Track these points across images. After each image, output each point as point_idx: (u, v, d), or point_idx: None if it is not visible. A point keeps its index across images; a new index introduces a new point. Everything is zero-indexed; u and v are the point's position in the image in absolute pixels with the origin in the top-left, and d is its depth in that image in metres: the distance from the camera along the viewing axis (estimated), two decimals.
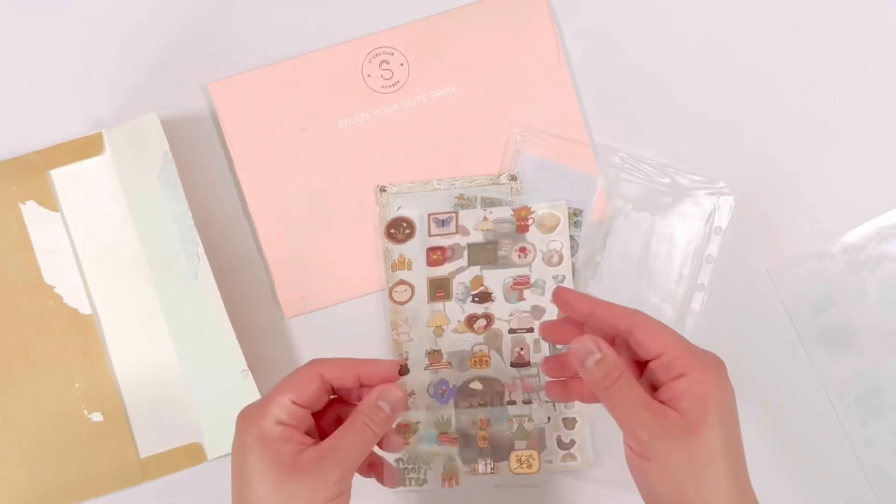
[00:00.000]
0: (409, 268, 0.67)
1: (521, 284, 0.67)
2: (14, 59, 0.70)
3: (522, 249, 0.67)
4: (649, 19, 0.71)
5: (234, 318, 0.65)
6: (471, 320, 0.68)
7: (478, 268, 0.68)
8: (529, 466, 0.66)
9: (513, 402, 0.66)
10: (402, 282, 0.67)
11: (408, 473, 0.66)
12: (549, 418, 0.67)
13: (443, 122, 0.70)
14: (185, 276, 0.65)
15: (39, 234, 0.67)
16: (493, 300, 0.68)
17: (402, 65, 0.70)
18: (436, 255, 0.67)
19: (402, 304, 0.67)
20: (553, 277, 0.68)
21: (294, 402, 0.53)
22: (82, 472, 0.65)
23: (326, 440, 0.53)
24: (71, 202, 0.67)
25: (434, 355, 0.67)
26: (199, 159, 0.69)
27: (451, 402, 0.67)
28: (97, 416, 0.66)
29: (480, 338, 0.68)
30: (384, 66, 0.70)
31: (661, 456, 0.50)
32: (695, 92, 0.71)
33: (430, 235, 0.67)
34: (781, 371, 0.69)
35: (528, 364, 0.67)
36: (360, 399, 0.56)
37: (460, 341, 0.68)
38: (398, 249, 0.67)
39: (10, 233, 0.67)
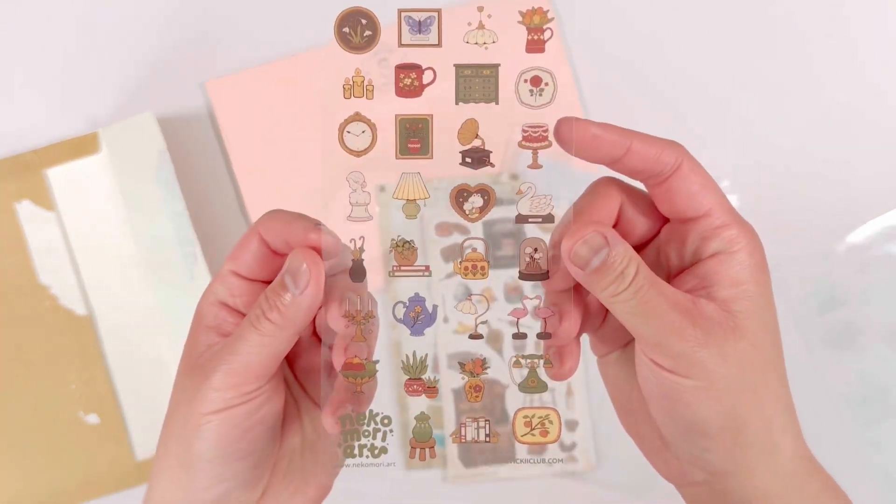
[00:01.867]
0: (370, 95, 0.43)
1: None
2: (9, 57, 0.70)
3: (535, 80, 0.43)
4: (651, 18, 0.71)
5: None
6: (459, 196, 0.46)
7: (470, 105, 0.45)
8: (544, 433, 0.44)
9: (522, 336, 0.44)
10: (357, 116, 0.43)
11: (356, 439, 0.41)
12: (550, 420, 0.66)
13: (443, 121, 0.69)
14: (182, 277, 0.65)
15: (35, 234, 0.67)
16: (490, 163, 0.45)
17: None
18: (409, 79, 0.43)
19: (357, 153, 0.42)
20: None
21: (235, 273, 0.41)
22: (78, 475, 0.65)
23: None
24: (67, 202, 0.67)
25: (403, 251, 0.44)
26: (197, 158, 0.69)
27: (429, 331, 0.43)
28: (93, 418, 0.66)
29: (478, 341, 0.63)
30: (384, 63, 0.70)
31: (703, 370, 0.37)
32: (697, 91, 0.71)
33: (400, 45, 0.42)
34: (786, 372, 0.69)
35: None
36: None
37: (460, 342, 0.67)
38: (354, 61, 0.42)
39: (5, 233, 0.66)
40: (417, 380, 0.43)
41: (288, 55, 0.70)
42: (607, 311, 0.41)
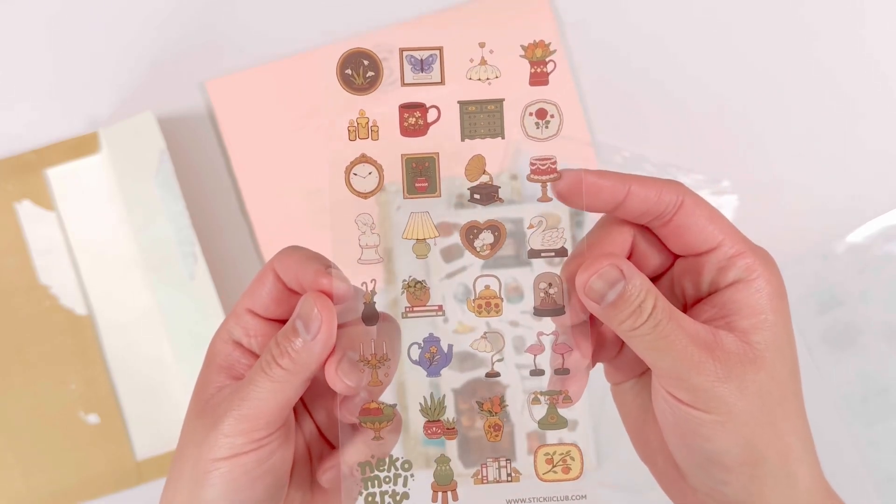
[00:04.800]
0: (375, 136, 0.41)
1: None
2: (9, 57, 0.70)
3: (541, 113, 0.42)
4: (651, 18, 0.71)
5: None
6: (469, 233, 0.44)
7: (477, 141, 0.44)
8: (566, 470, 0.44)
9: (540, 373, 0.43)
10: (363, 158, 0.41)
11: (378, 486, 0.40)
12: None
13: (443, 121, 0.69)
14: (182, 277, 0.65)
15: (35, 234, 0.67)
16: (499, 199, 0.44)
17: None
18: (413, 118, 0.42)
19: (364, 195, 0.41)
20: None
21: (250, 312, 0.40)
22: (78, 475, 0.65)
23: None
24: (67, 202, 0.67)
25: (415, 291, 0.43)
26: (197, 158, 0.69)
27: (445, 371, 0.43)
28: (93, 418, 0.66)
29: (483, 326, 0.65)
30: (384, 63, 0.70)
31: (722, 404, 0.37)
32: (697, 91, 0.70)
33: (403, 84, 0.41)
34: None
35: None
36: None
37: (461, 342, 0.67)
38: (358, 102, 0.41)
39: (6, 233, 0.66)
40: (436, 421, 0.42)
41: (288, 55, 0.70)
42: (623, 341, 0.41)
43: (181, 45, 0.70)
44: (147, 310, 0.66)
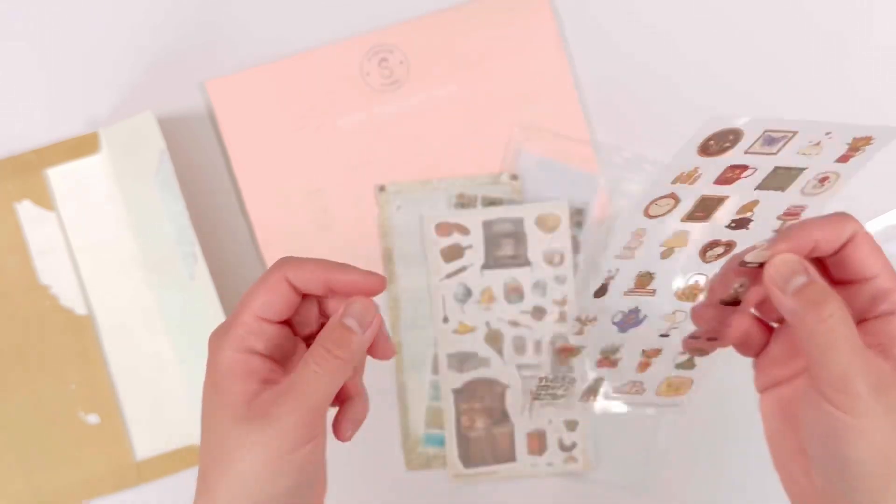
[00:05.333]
0: (692, 182, 0.49)
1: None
2: (9, 57, 0.70)
3: (823, 179, 0.49)
4: (652, 18, 0.71)
5: None
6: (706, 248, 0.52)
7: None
8: (677, 390, 0.57)
9: (665, 335, 0.54)
10: (671, 196, 0.50)
11: (545, 390, 0.57)
12: (550, 420, 0.67)
13: (443, 121, 0.70)
14: (182, 277, 0.65)
15: (35, 234, 0.67)
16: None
17: (401, 63, 0.70)
18: (732, 174, 0.49)
19: (654, 217, 0.51)
20: (555, 278, 0.67)
21: (261, 318, 0.44)
22: (78, 474, 0.65)
23: (288, 377, 0.43)
24: (67, 202, 0.67)
25: (643, 278, 0.54)
26: (197, 158, 0.69)
27: (632, 331, 0.55)
28: (93, 418, 0.66)
29: (480, 338, 0.67)
30: (383, 64, 0.70)
31: (873, 416, 0.39)
32: (697, 91, 0.70)
33: (745, 152, 0.47)
34: None
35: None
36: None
37: (461, 342, 0.67)
38: (696, 160, 0.48)
39: (6, 233, 0.66)
40: (606, 358, 0.55)
41: (289, 55, 0.70)
42: (769, 339, 0.47)
43: (181, 45, 0.70)
44: (147, 310, 0.66)
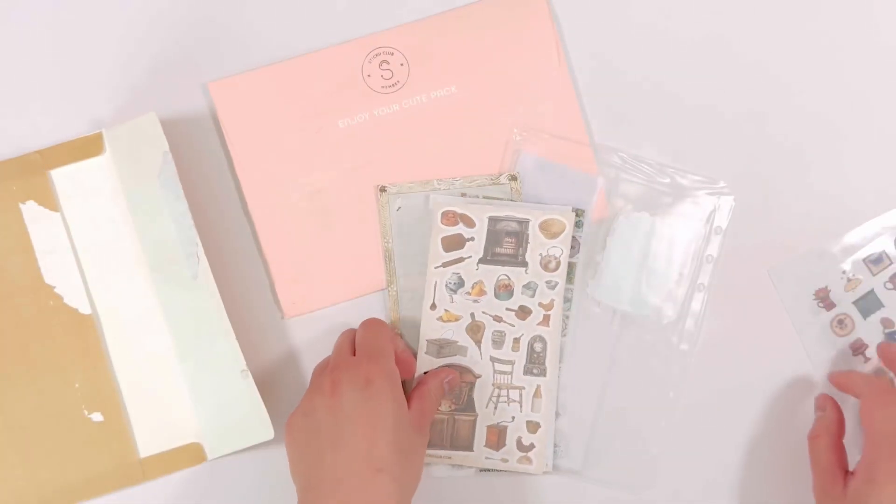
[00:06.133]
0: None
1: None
2: (14, 59, 0.70)
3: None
4: (650, 19, 0.71)
5: (234, 318, 0.65)
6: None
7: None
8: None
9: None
10: None
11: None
12: (513, 417, 0.67)
13: (443, 122, 0.70)
14: (185, 277, 0.65)
15: (39, 235, 0.67)
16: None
17: (402, 65, 0.70)
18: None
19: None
20: (546, 283, 0.67)
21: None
22: (82, 472, 0.65)
23: (412, 404, 0.62)
24: (71, 202, 0.67)
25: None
26: (200, 159, 0.69)
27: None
28: (97, 416, 0.66)
29: (462, 328, 0.68)
30: (384, 66, 0.70)
31: None
32: (695, 91, 0.70)
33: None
34: (782, 372, 0.69)
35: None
36: None
37: (443, 329, 0.68)
38: None
39: (11, 233, 0.67)
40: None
41: (291, 57, 0.70)
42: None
43: (184, 47, 0.70)
44: (150, 309, 0.66)
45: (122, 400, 0.66)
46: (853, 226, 0.69)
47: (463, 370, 0.67)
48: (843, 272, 0.69)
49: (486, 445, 0.67)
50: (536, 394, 0.67)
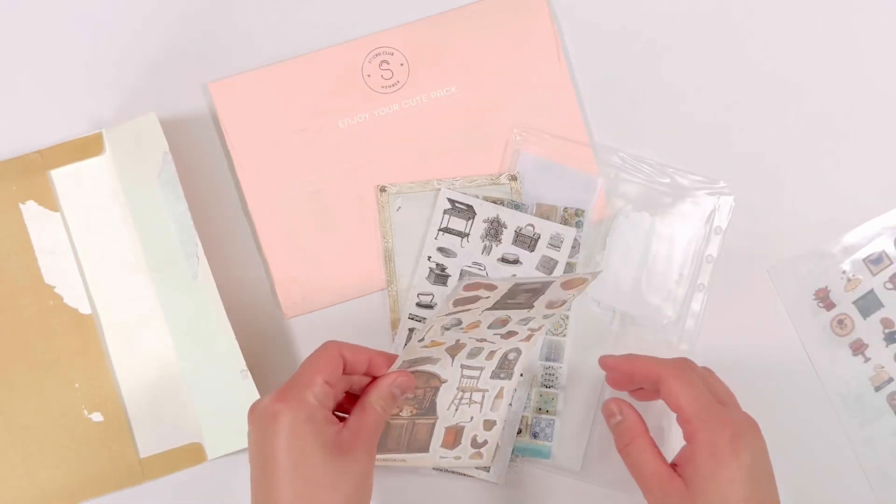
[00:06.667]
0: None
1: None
2: (14, 58, 0.70)
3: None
4: (650, 19, 0.71)
5: (234, 318, 0.65)
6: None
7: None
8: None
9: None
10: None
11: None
12: (471, 418, 0.64)
13: (443, 122, 0.70)
14: (185, 276, 0.65)
15: (39, 235, 0.67)
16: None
17: (402, 65, 0.70)
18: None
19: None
20: (543, 315, 0.61)
21: (326, 383, 0.55)
22: (82, 472, 0.65)
23: (350, 421, 0.56)
24: (71, 202, 0.67)
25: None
26: (200, 159, 0.69)
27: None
28: (97, 416, 0.66)
29: (444, 349, 0.61)
30: (384, 66, 0.70)
31: None
32: (695, 92, 0.71)
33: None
34: (781, 371, 0.69)
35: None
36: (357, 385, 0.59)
37: (424, 351, 0.61)
38: None
39: (11, 233, 0.67)
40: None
41: (291, 57, 0.70)
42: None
43: (184, 47, 0.70)
44: (150, 309, 0.67)
45: (122, 400, 0.66)
46: (853, 226, 0.69)
47: (430, 376, 0.62)
48: (843, 272, 0.69)
49: (441, 445, 0.64)
50: (498, 395, 0.65)
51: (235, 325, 0.64)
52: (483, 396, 0.64)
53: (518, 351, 0.64)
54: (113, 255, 0.67)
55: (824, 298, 0.69)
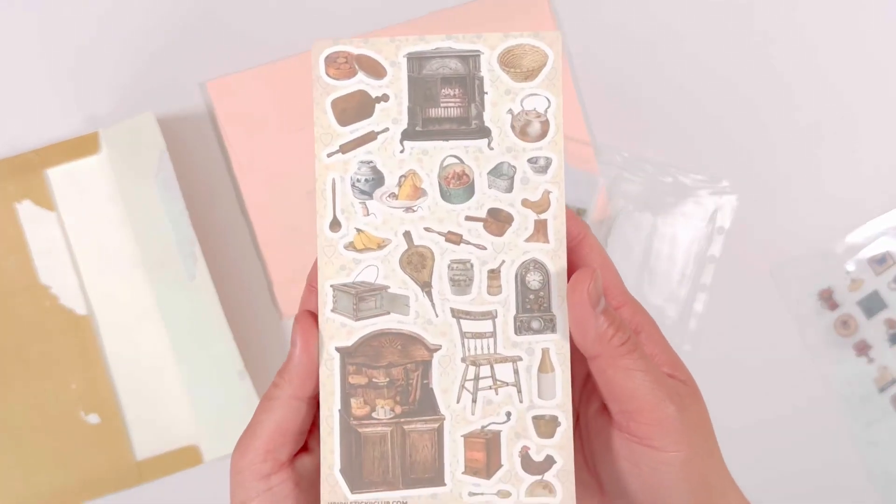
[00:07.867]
0: None
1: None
2: (10, 57, 0.70)
3: None
4: (651, 19, 0.71)
5: (232, 318, 0.65)
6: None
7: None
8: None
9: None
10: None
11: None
12: (508, 414, 0.39)
13: None
14: (183, 277, 0.65)
15: (35, 234, 0.67)
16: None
17: None
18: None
19: None
20: (530, 161, 0.40)
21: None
22: (79, 474, 0.65)
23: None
24: (67, 202, 0.67)
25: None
26: (197, 159, 0.69)
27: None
28: (94, 418, 0.66)
29: (393, 260, 0.40)
30: None
31: (683, 440, 0.40)
32: (697, 91, 0.70)
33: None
34: (785, 372, 0.69)
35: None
36: None
37: (357, 265, 0.40)
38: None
39: (6, 233, 0.66)
40: None
41: (288, 56, 0.70)
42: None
43: (181, 45, 0.70)
44: (147, 310, 0.66)
45: (118, 401, 0.66)
46: (857, 225, 0.69)
47: (405, 340, 0.39)
48: (847, 272, 0.69)
49: (465, 472, 0.39)
50: (543, 366, 0.39)
51: (233, 326, 0.64)
52: (515, 370, 0.39)
53: (540, 266, 0.40)
54: (109, 256, 0.67)
55: (828, 299, 0.69)
